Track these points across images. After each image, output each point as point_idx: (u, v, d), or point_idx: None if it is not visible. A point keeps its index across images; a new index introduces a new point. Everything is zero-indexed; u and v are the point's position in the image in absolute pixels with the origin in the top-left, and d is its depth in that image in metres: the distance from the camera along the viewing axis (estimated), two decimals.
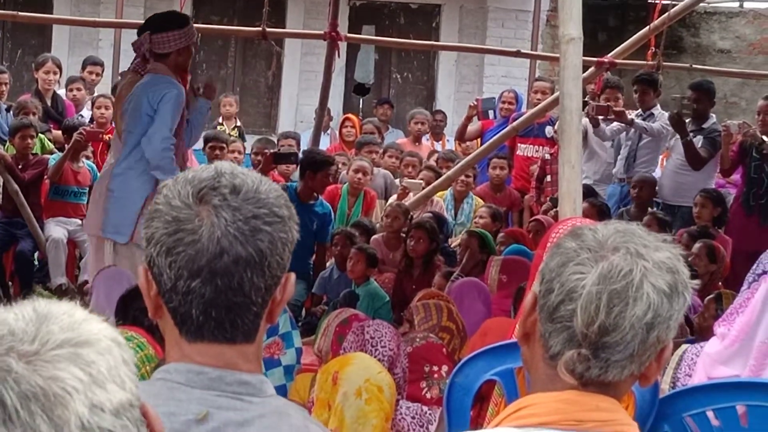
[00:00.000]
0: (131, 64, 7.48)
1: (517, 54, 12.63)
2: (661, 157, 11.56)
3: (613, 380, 1.95)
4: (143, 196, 6.97)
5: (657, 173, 11.20)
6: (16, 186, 9.80)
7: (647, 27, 10.16)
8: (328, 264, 9.39)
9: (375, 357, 5.17)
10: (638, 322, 1.90)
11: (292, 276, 1.96)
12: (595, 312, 1.90)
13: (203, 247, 1.83)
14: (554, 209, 8.79)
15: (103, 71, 12.94)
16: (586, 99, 10.47)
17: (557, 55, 5.57)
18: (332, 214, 9.79)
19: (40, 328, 1.29)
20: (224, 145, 11.05)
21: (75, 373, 1.26)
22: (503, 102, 12.42)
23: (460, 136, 12.59)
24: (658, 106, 11.01)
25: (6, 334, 1.28)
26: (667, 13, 9.94)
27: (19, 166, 9.94)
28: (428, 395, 5.48)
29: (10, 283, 9.98)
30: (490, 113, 12.36)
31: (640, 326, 1.91)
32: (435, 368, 5.57)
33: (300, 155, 10.18)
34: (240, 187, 1.87)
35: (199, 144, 11.30)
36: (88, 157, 10.63)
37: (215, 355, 1.89)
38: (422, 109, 14.38)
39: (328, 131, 13.73)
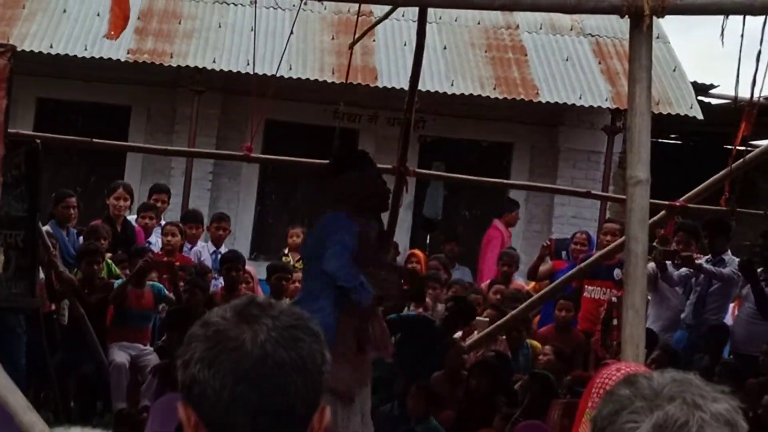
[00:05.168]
0: None
1: (587, 195, 12.57)
2: (732, 304, 11.35)
3: None
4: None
5: (728, 320, 11.00)
6: (82, 310, 9.86)
7: (722, 171, 9.93)
8: None
9: None
10: None
11: (327, 409, 1.93)
12: None
13: (247, 351, 1.83)
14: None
15: (169, 199, 12.95)
16: (654, 243, 10.31)
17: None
18: None
19: None
20: (290, 276, 10.99)
21: None
22: (575, 243, 12.33)
23: (532, 275, 12.50)
24: (729, 252, 10.82)
25: None
26: (742, 159, 9.66)
27: (86, 291, 10.01)
28: None
29: (72, 405, 9.99)
30: (563, 254, 12.30)
31: None
32: None
33: None
34: (275, 304, 1.92)
35: (263, 274, 11.32)
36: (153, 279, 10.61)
37: None
38: (511, 250, 14.01)
39: None
